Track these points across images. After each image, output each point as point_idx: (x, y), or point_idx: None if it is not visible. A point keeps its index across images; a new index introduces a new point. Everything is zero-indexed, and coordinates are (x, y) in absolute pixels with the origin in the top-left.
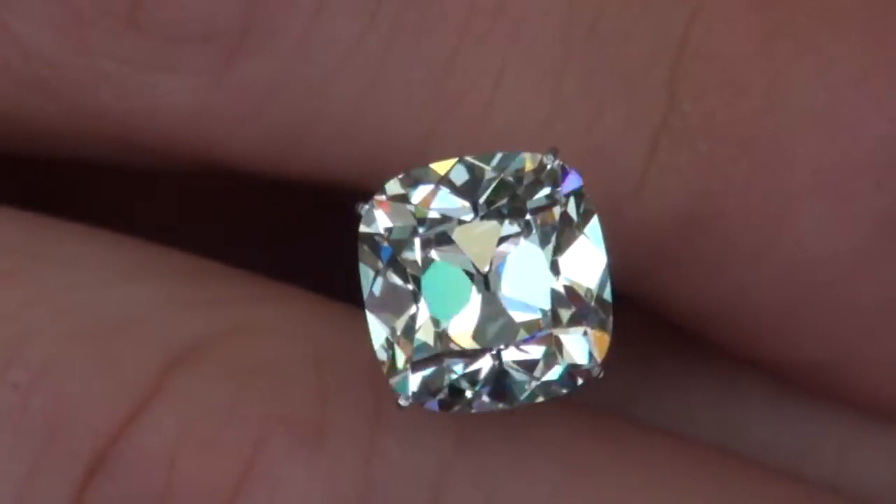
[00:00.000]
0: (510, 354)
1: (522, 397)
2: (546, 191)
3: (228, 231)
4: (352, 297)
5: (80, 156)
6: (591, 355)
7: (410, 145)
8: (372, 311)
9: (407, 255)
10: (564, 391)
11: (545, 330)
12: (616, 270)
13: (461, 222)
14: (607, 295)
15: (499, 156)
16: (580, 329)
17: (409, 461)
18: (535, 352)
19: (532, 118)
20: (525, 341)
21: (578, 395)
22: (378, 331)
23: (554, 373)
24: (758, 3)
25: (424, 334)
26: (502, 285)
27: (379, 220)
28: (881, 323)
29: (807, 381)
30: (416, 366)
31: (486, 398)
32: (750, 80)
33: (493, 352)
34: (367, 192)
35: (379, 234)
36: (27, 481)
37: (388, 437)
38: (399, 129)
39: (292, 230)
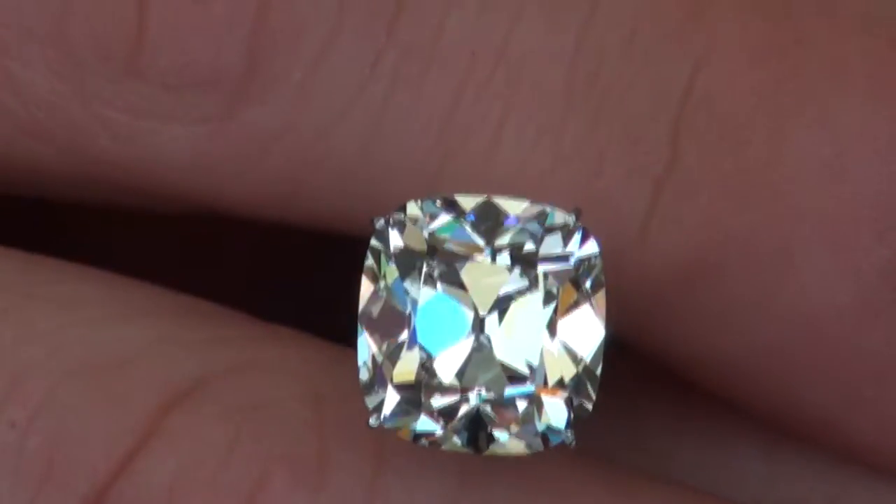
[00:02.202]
0: (490, 403)
1: (490, 448)
2: (562, 250)
3: (218, 273)
4: (342, 340)
5: (76, 198)
6: (568, 422)
7: (411, 193)
8: (363, 327)
9: (410, 280)
10: (533, 451)
11: (530, 387)
12: (616, 319)
13: (472, 261)
14: (598, 369)
15: (525, 204)
16: (564, 394)
17: (410, 501)
18: (516, 406)
19: (533, 167)
20: (507, 394)
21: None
22: (365, 348)
23: (528, 431)
24: (761, 55)
25: (409, 362)
26: (498, 333)
27: (391, 238)
28: (884, 376)
29: (807, 433)
30: (393, 389)
31: (455, 439)
32: (753, 132)
33: (474, 395)
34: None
35: (388, 253)
36: None
37: (391, 476)
38: (400, 176)
39: (283, 272)
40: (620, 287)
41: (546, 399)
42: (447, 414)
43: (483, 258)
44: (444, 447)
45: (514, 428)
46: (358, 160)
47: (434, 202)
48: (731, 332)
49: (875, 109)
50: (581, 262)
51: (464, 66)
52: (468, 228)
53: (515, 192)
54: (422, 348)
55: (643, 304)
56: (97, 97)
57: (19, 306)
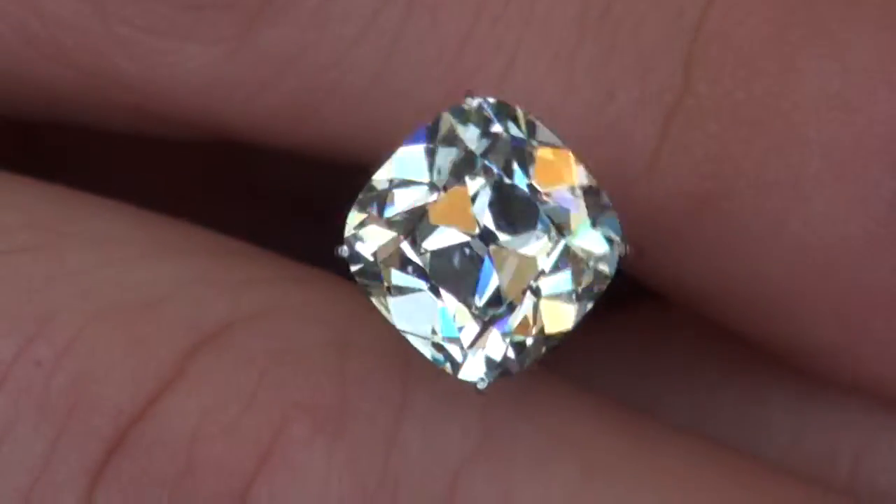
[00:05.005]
0: (545, 287)
1: (577, 315)
2: (482, 130)
3: (246, 208)
4: None
5: (95, 122)
6: (608, 240)
7: (423, 120)
8: (407, 331)
9: (405, 263)
10: (607, 284)
11: (560, 245)
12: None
13: (431, 205)
14: (590, 180)
15: (422, 130)
16: (587, 225)
17: (430, 453)
18: (564, 273)
19: (545, 96)
20: (550, 267)
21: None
22: (423, 345)
23: (588, 277)
24: None
25: (462, 319)
26: (499, 234)
27: (362, 251)
28: (890, 307)
29: (814, 364)
30: (471, 349)
31: (541, 342)
32: (764, 63)
33: (528, 296)
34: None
35: (370, 263)
36: (47, 458)
37: (412, 427)
38: (412, 104)
39: (311, 212)
40: (630, 214)
41: (578, 242)
42: (523, 325)
43: (434, 195)
44: (545, 350)
45: (577, 286)
46: (371, 86)
47: (363, 199)
48: (740, 261)
49: (887, 41)
50: (503, 124)
51: None
52: (404, 188)
53: None
54: (462, 301)
55: (652, 231)
56: (117, 16)
57: (52, 244)
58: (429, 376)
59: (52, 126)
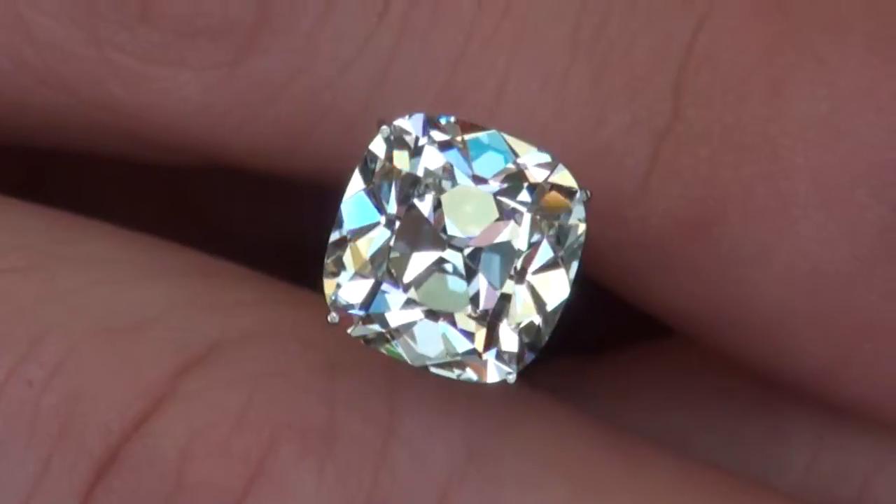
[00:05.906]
0: (529, 264)
1: (569, 277)
2: (408, 150)
3: (241, 233)
4: None
5: (89, 148)
6: (569, 192)
7: None
8: (426, 364)
9: (393, 302)
10: (584, 235)
11: (526, 219)
12: (617, 273)
13: (395, 237)
14: (526, 148)
15: (356, 175)
16: (543, 189)
17: (418, 473)
18: (541, 244)
19: (536, 119)
20: (521, 244)
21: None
22: (445, 371)
23: (564, 237)
24: (763, 12)
25: (468, 329)
26: (466, 239)
27: (351, 311)
28: (880, 331)
29: (805, 386)
30: (487, 352)
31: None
32: (753, 88)
33: (518, 274)
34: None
35: (363, 318)
36: (38, 478)
37: (399, 447)
38: None
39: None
40: (621, 238)
41: (542, 210)
42: (525, 308)
43: (393, 228)
44: (553, 323)
45: (557, 246)
46: (363, 110)
47: (330, 264)
48: (729, 286)
49: (874, 65)
50: (428, 134)
51: (470, 17)
52: (366, 235)
53: None
54: (460, 313)
55: (643, 255)
56: (110, 43)
57: (43, 264)
58: (416, 397)
59: (47, 151)
